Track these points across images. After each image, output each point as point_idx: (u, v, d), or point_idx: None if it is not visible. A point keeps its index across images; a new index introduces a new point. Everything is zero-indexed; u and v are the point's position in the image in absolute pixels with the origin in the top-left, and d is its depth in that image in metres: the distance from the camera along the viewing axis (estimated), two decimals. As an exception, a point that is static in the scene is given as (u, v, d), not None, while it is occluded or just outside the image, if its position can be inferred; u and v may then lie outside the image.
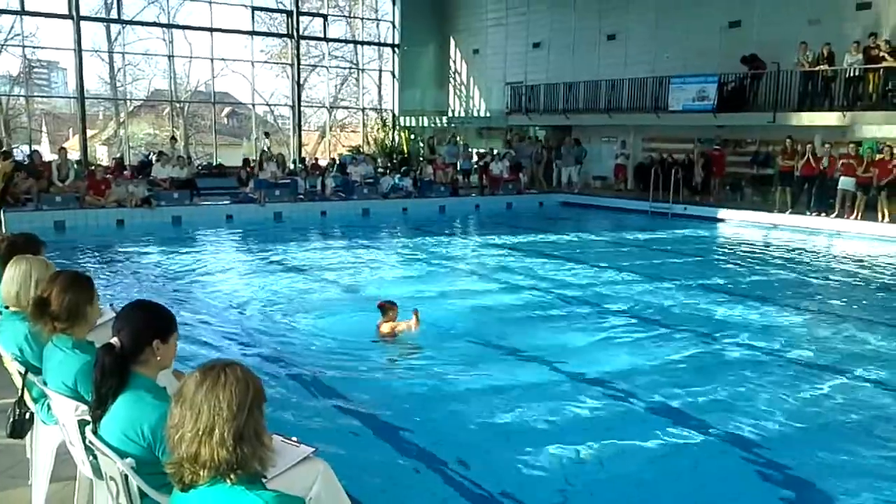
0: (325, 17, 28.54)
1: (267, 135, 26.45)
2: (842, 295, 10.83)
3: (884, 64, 17.30)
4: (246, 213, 17.86)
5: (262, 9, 27.01)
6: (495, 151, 24.30)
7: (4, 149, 17.28)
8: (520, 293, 10.29)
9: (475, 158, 24.90)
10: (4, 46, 25.35)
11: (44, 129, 31.01)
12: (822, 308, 9.78)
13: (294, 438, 2.99)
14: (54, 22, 23.24)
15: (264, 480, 2.13)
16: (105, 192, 16.64)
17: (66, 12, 22.47)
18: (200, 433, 1.98)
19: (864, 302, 10.29)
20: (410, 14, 29.25)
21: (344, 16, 30.44)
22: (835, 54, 18.11)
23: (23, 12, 22.34)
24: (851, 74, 17.85)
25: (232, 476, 1.99)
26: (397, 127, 29.50)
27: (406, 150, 28.15)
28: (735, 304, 9.63)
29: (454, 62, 30.51)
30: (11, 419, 3.60)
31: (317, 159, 25.83)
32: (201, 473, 2.00)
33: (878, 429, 5.62)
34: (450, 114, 30.16)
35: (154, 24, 25.74)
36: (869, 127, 18.26)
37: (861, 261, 13.60)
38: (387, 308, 7.55)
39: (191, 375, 2.09)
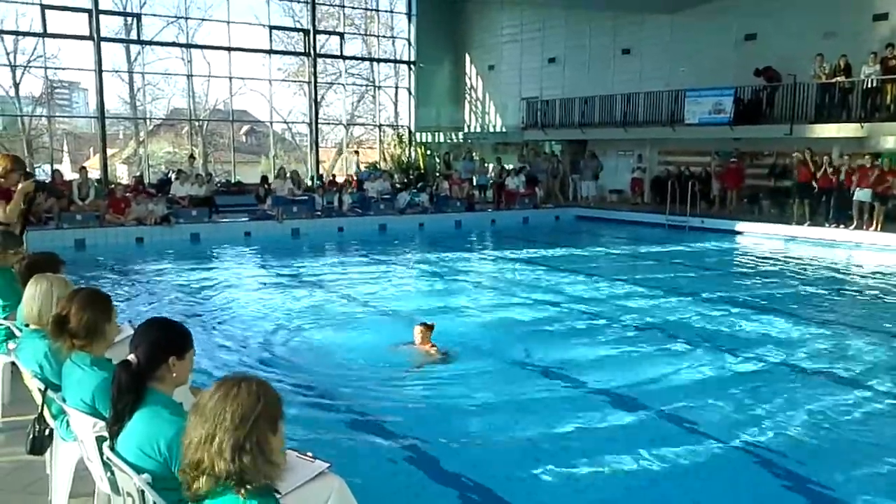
0: (341, 35, 28.78)
1: (357, 153, 26.93)
2: (861, 307, 10.73)
3: (901, 75, 17.20)
4: (264, 229, 17.97)
5: (279, 28, 27.32)
6: (509, 167, 24.26)
7: (26, 169, 17.49)
8: (536, 307, 10.27)
9: (491, 173, 24.93)
10: (27, 68, 25.79)
11: (65, 148, 31.38)
12: (841, 321, 9.67)
13: (309, 454, 3.00)
14: (75, 43, 23.60)
15: (278, 496, 2.15)
16: (125, 211, 16.83)
17: (87, 34, 22.83)
18: (202, 441, 2.03)
19: (884, 313, 10.18)
20: (426, 31, 29.44)
21: (360, 34, 30.65)
22: (851, 66, 18.02)
23: (45, 34, 22.72)
24: (869, 86, 17.75)
25: (243, 491, 2.01)
26: (413, 143, 29.63)
27: (422, 166, 28.25)
28: (754, 318, 9.56)
29: (470, 78, 30.65)
30: (31, 436, 3.64)
31: (334, 176, 25.99)
32: (200, 480, 2.04)
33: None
34: (466, 129, 30.26)
35: (173, 44, 26.06)
36: (887, 138, 18.11)
37: (881, 272, 13.46)
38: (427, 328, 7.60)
39: (212, 386, 2.15)
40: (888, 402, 6.44)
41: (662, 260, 15.17)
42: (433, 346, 7.43)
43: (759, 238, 17.99)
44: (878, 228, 16.50)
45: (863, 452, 5.40)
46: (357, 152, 27.86)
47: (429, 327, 7.55)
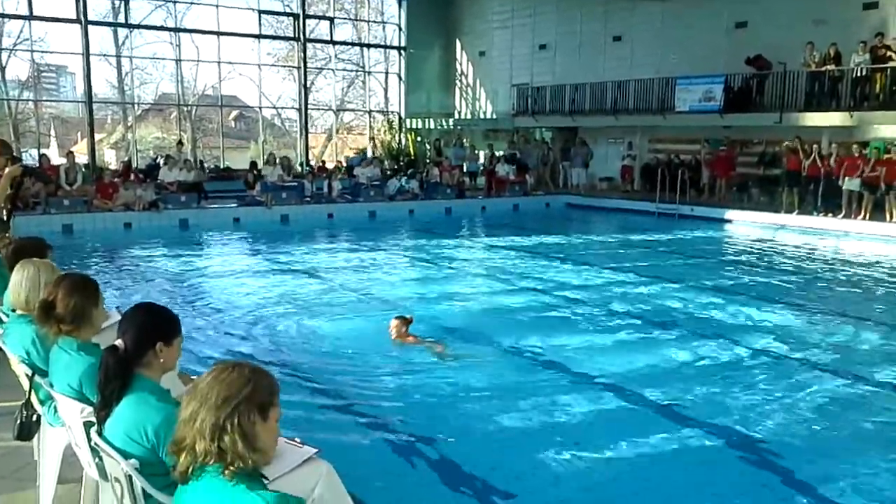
0: (331, 20, 28.60)
1: (373, 139, 27.12)
2: (849, 296, 10.79)
3: (891, 64, 17.25)
4: (253, 215, 17.92)
5: (268, 12, 27.12)
6: (499, 153, 24.25)
7: (13, 153, 17.36)
8: (526, 294, 10.30)
9: (482, 160, 24.90)
10: (14, 51, 25.53)
11: (52, 133, 31.17)
12: (828, 309, 9.74)
13: (297, 439, 3.01)
14: (63, 27, 23.40)
15: (266, 482, 2.15)
16: (113, 196, 16.73)
17: (75, 17, 22.60)
18: (187, 418, 2.05)
19: (871, 302, 10.26)
20: (416, 17, 29.30)
21: (350, 19, 30.48)
22: (841, 54, 18.05)
23: (31, 17, 22.48)
24: (858, 74, 17.80)
25: (227, 472, 2.02)
26: (403, 129, 29.54)
27: (413, 153, 28.20)
28: (743, 306, 9.60)
29: (460, 64, 30.54)
30: (19, 421, 3.63)
31: (323, 162, 25.92)
32: (181, 457, 2.06)
33: (883, 430, 5.62)
34: (456, 116, 30.19)
35: (161, 28, 25.86)
36: (876, 127, 18.18)
37: (868, 261, 13.55)
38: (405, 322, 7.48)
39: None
40: (873, 390, 6.49)
41: (652, 248, 15.22)
42: (413, 337, 7.35)
43: (748, 226, 18.06)
44: (866, 218, 16.60)
45: (847, 440, 5.45)
46: (373, 139, 27.96)
47: (405, 321, 7.42)
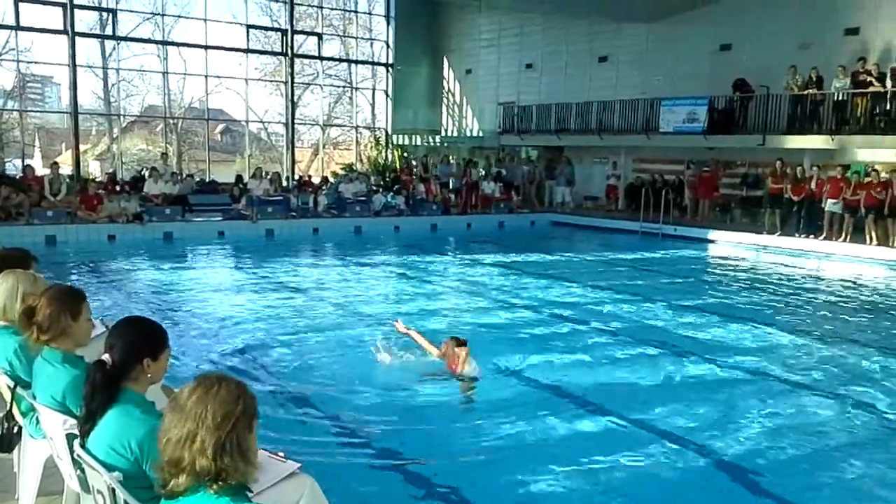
0: (319, 35, 28.69)
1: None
2: (828, 316, 10.89)
3: (871, 89, 17.50)
4: (238, 229, 17.83)
5: (256, 27, 27.19)
6: (482, 172, 24.32)
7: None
8: (509, 311, 10.32)
9: (455, 169, 24.95)
10: (-1, 61, 25.41)
11: (37, 143, 30.98)
12: (808, 329, 9.83)
13: (281, 454, 3.01)
14: (49, 37, 23.28)
15: (250, 495, 2.16)
16: (97, 208, 16.63)
17: (62, 28, 22.55)
18: (183, 439, 2.04)
19: (850, 323, 10.36)
20: (404, 34, 29.46)
21: (338, 35, 30.60)
22: (823, 78, 18.32)
23: (18, 27, 22.40)
24: (839, 98, 18.06)
25: (214, 486, 2.03)
26: (390, 145, 29.60)
27: (399, 169, 28.22)
28: (724, 325, 9.69)
29: (447, 82, 30.70)
30: (-1, 433, 3.62)
31: (310, 176, 25.90)
32: (180, 479, 2.05)
33: (860, 448, 5.67)
34: (442, 133, 30.29)
35: (149, 40, 25.83)
36: (856, 150, 18.43)
37: (848, 283, 13.69)
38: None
39: (188, 384, 2.15)
40: (851, 409, 6.55)
41: (635, 266, 15.31)
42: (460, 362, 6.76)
43: (730, 246, 18.21)
44: (847, 239, 16.79)
45: (825, 459, 5.49)
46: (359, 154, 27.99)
47: (459, 343, 6.83)
